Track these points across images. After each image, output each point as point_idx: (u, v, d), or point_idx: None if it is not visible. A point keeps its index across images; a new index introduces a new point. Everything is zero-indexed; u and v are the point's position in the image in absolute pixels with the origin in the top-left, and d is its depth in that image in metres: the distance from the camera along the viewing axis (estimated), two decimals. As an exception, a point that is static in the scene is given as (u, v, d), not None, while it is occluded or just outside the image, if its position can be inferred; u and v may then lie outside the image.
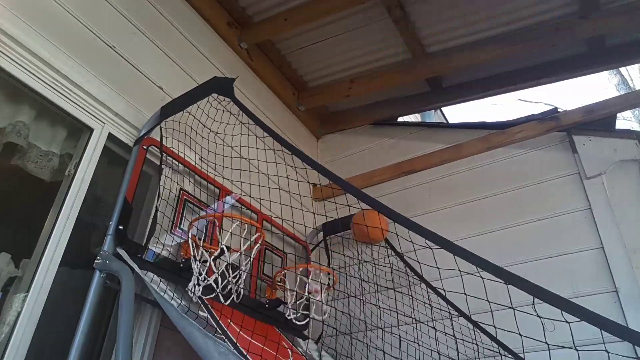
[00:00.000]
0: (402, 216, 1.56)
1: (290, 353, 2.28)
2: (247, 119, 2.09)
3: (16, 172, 1.83)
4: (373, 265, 3.01)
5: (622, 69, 9.69)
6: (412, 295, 2.73)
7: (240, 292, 2.14)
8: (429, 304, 2.62)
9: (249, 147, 2.64)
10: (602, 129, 2.85)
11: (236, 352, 1.60)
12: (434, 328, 2.53)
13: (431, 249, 1.51)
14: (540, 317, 1.35)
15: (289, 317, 2.45)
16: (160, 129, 2.27)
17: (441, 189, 3.26)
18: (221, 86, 2.20)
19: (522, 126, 3.11)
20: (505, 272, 1.35)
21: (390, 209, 1.60)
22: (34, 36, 1.89)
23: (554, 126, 2.99)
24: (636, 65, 9.37)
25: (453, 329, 2.45)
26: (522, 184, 2.97)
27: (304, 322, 2.56)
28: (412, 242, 1.61)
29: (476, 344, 2.37)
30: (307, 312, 2.57)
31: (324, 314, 2.60)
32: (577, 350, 1.36)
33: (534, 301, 1.28)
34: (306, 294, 2.52)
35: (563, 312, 1.24)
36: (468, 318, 2.41)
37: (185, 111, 2.30)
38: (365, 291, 2.92)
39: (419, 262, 2.03)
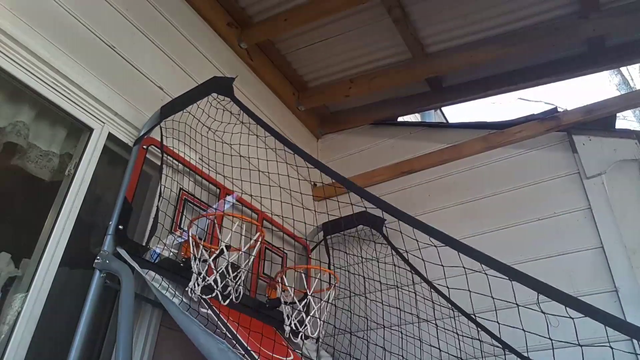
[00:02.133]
0: (406, 214, 1.56)
1: (290, 352, 2.28)
2: (247, 119, 2.09)
3: (16, 172, 1.83)
4: (372, 264, 3.01)
5: (623, 69, 9.70)
6: (411, 294, 2.73)
7: (239, 291, 2.14)
8: (431, 303, 2.62)
9: (249, 146, 2.64)
10: (602, 129, 2.85)
11: (235, 351, 1.60)
12: (435, 325, 2.53)
13: (436, 247, 1.51)
14: (544, 313, 1.35)
15: (290, 326, 2.42)
16: (161, 129, 2.27)
17: (441, 188, 3.26)
18: (221, 86, 2.20)
19: (521, 126, 3.12)
20: (510, 268, 1.35)
21: (394, 207, 1.60)
22: (34, 36, 1.89)
23: (553, 126, 2.99)
24: (636, 65, 9.37)
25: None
26: (521, 184, 2.97)
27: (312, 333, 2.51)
28: (416, 239, 1.61)
29: (480, 340, 2.37)
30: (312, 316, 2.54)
31: (323, 314, 2.60)
32: (581, 346, 1.37)
33: (538, 298, 1.28)
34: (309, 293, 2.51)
35: (567, 308, 1.25)
36: (469, 317, 2.41)
37: (185, 111, 2.30)
38: (365, 290, 2.91)
39: (424, 260, 2.02)
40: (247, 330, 1.94)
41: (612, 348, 1.31)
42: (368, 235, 3.18)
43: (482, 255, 1.39)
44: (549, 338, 1.45)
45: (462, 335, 2.43)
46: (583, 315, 1.23)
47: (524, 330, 1.59)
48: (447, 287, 2.27)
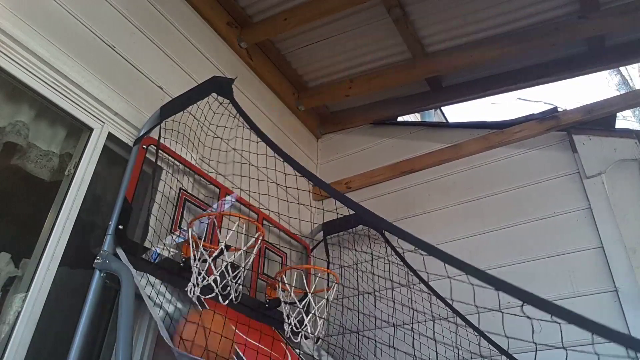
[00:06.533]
0: (392, 224, 1.55)
1: (288, 353, 2.27)
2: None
3: (16, 172, 1.83)
4: (372, 265, 3.01)
5: (622, 69, 9.70)
6: (410, 294, 2.73)
7: (239, 291, 2.14)
8: (429, 304, 2.62)
9: (250, 148, 2.64)
10: (602, 129, 2.85)
11: None
12: (433, 329, 2.53)
13: (422, 255, 1.51)
14: (530, 318, 1.36)
15: (290, 326, 2.41)
16: (160, 129, 2.27)
17: (441, 188, 3.26)
18: (221, 86, 2.20)
19: (521, 125, 3.11)
20: (495, 278, 1.36)
21: (377, 215, 1.59)
22: (34, 36, 1.89)
23: (553, 125, 2.99)
24: (636, 65, 9.38)
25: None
26: (521, 184, 2.97)
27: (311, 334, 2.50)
28: (402, 248, 1.62)
29: (479, 345, 2.37)
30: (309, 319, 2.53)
31: (323, 314, 2.60)
32: (566, 350, 1.38)
33: (522, 307, 1.29)
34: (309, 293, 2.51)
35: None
36: (465, 319, 2.41)
37: (185, 111, 2.30)
38: (364, 290, 2.91)
39: (408, 268, 2.03)
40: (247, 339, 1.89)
41: (597, 354, 1.31)
42: (368, 235, 3.18)
43: (469, 266, 1.39)
44: (534, 342, 1.45)
45: (460, 336, 2.43)
46: (569, 322, 1.24)
47: (507, 337, 1.60)
48: (451, 300, 2.27)
